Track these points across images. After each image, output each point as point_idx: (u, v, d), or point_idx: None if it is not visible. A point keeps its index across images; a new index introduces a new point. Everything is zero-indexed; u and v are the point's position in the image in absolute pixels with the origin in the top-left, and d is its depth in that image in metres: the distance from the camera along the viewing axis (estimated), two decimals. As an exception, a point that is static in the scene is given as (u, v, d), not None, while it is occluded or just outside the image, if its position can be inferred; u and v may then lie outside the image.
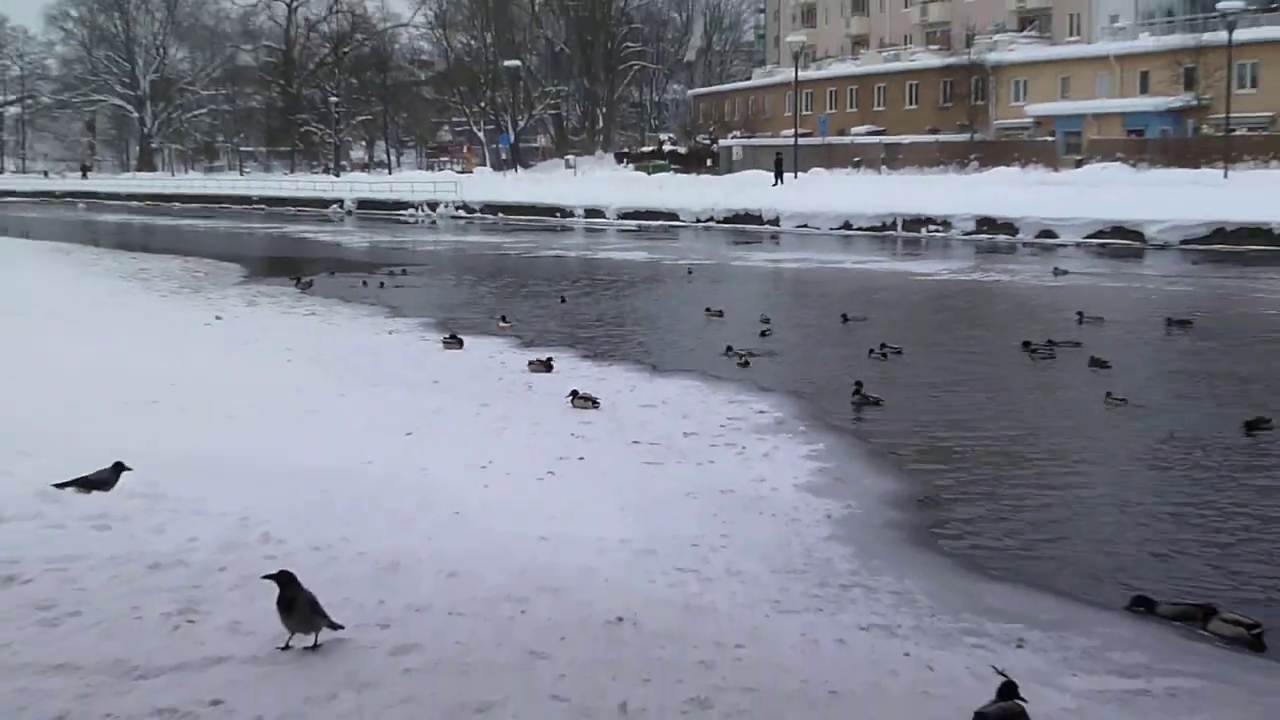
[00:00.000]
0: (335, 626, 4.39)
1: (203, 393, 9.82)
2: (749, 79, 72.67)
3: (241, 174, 75.76)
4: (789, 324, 16.23)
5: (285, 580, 4.31)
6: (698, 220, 40.26)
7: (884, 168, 49.33)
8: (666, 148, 65.33)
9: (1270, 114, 41.90)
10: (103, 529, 5.60)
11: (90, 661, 4.15)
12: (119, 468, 6.14)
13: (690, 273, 24.35)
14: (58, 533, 5.52)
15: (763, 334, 14.96)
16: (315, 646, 4.30)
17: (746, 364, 12.67)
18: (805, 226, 36.33)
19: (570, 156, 66.05)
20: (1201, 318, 16.15)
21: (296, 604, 4.27)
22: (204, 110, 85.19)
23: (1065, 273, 22.55)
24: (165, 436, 7.73)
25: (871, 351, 13.13)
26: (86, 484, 6.07)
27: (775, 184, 43.32)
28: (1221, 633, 5.18)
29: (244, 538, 5.57)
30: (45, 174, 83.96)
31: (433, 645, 4.39)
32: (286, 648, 4.28)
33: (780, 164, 45.11)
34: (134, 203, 66.73)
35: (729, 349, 13.26)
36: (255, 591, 4.56)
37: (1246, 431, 9.09)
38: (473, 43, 72.84)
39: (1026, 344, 13.35)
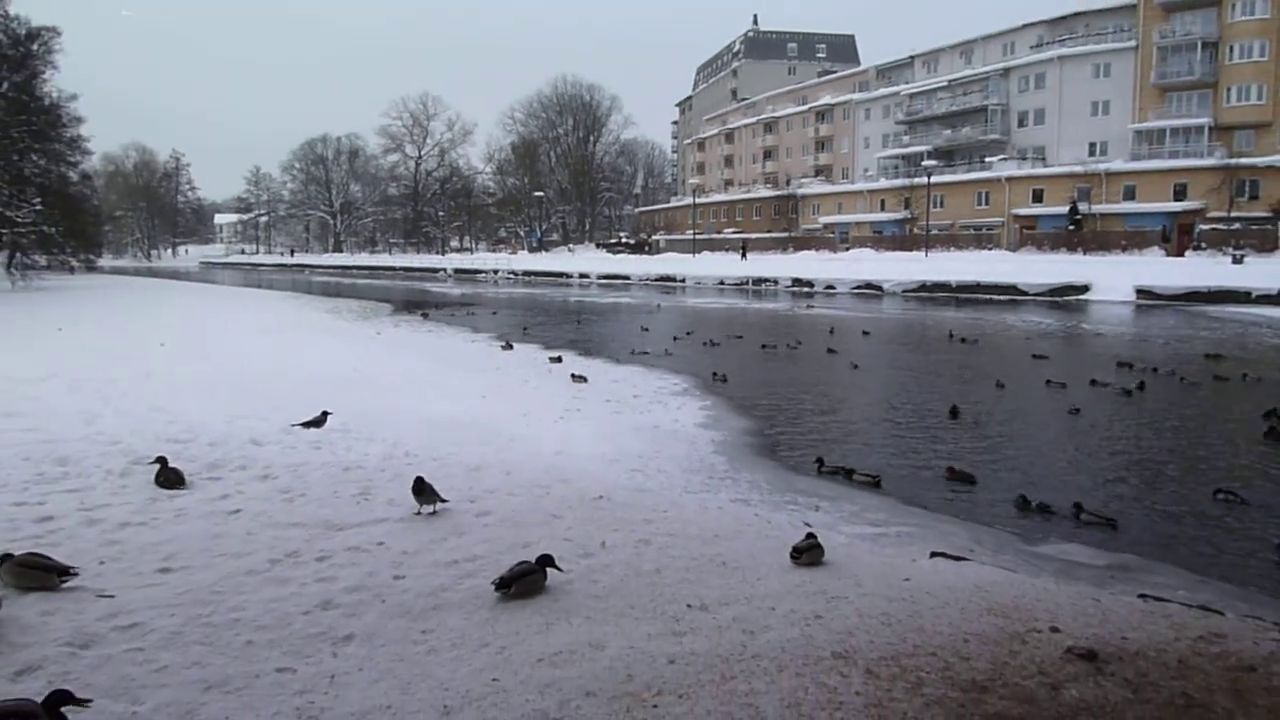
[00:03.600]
0: (442, 500, 7.56)
1: (372, 374, 15.88)
2: (668, 202, 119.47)
3: (389, 254, 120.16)
4: (692, 336, 25.66)
5: (417, 481, 7.53)
6: (641, 280, 64.89)
7: (740, 253, 79.31)
8: (624, 240, 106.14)
9: (950, 222, 69.14)
10: (317, 448, 9.11)
11: (311, 520, 7.26)
12: (325, 415, 9.97)
13: (659, 307, 41.02)
14: (292, 451, 9.01)
15: (675, 339, 24.28)
16: (434, 513, 7.50)
17: (670, 353, 21.50)
18: (700, 284, 59.29)
19: (570, 245, 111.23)
20: (894, 329, 29.08)
21: (423, 489, 7.52)
22: (369, 218, 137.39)
23: (812, 307, 40.14)
24: (352, 398, 12.29)
25: (764, 345, 22.27)
26: (309, 424, 9.88)
27: (742, 259, 70.26)
28: (860, 481, 9.74)
29: (395, 453, 9.12)
30: (290, 252, 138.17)
31: (498, 511, 7.60)
32: (419, 513, 7.53)
33: (745, 247, 79.04)
34: (330, 271, 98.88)
35: (637, 350, 22.19)
36: (403, 483, 8.00)
37: (951, 414, 13.61)
38: (517, 182, 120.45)
39: (830, 349, 22.73)
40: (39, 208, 46.67)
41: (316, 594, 5.65)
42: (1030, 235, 63.06)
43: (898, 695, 4.39)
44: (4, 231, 48.33)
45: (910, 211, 72.74)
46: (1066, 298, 40.72)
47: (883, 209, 77.31)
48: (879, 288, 48.13)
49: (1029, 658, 4.84)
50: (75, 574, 5.73)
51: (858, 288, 49.15)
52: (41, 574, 5.59)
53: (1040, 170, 66.40)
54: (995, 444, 12.07)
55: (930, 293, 45.49)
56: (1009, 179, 66.44)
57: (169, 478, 8.11)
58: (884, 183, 79.07)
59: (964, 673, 4.64)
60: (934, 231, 66.86)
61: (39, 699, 3.93)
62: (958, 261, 53.72)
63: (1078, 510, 8.80)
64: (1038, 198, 64.79)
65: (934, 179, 67.02)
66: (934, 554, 7.13)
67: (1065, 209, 60.77)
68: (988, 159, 70.79)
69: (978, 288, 44.28)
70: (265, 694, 4.38)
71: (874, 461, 10.92)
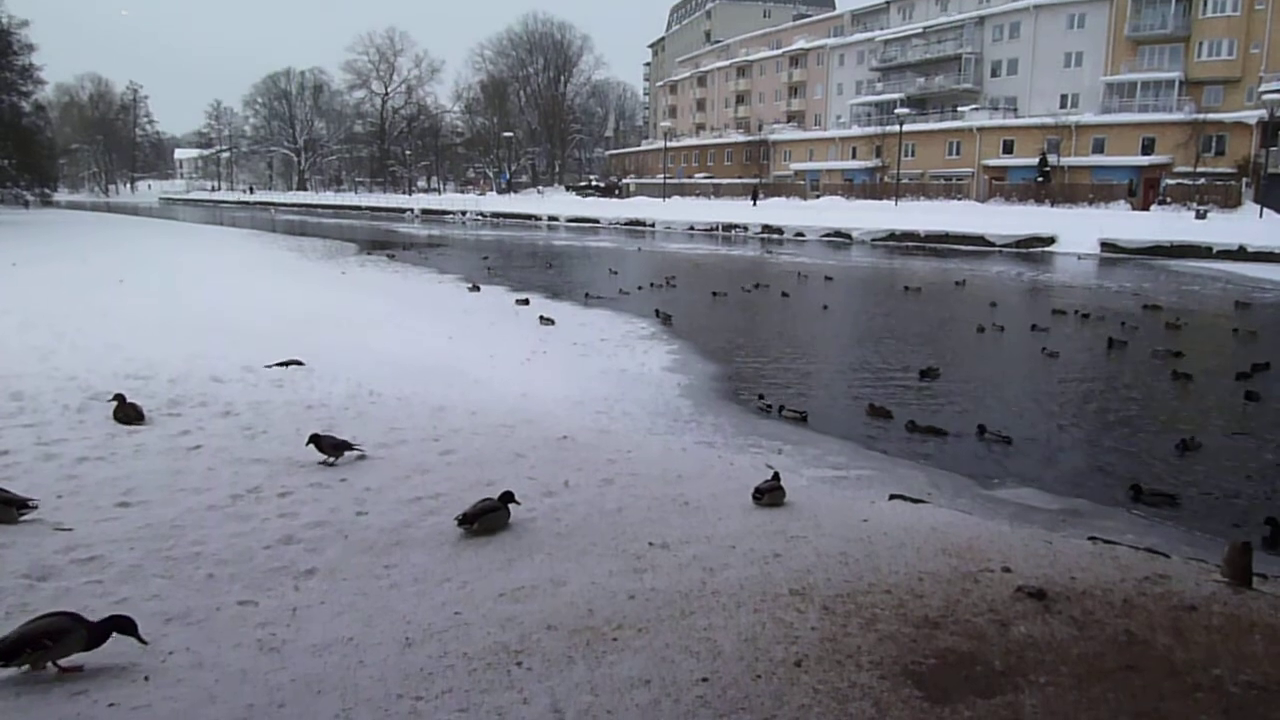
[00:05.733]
0: (351, 449, 7.09)
1: (337, 314, 15.63)
2: (639, 146, 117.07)
3: (355, 193, 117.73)
4: (660, 280, 25.34)
5: (313, 437, 7.11)
6: (610, 224, 63.98)
7: (712, 196, 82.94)
8: (593, 183, 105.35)
9: (920, 171, 68.74)
10: (279, 387, 9.02)
11: (273, 457, 7.25)
12: (299, 362, 9.89)
13: (639, 249, 42.13)
14: (254, 389, 8.92)
15: (640, 288, 23.75)
16: (332, 464, 6.97)
17: (626, 293, 21.88)
18: (670, 229, 59.32)
19: (540, 187, 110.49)
20: (856, 275, 29.74)
21: (321, 444, 7.06)
22: (334, 156, 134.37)
23: (772, 253, 40.15)
24: (316, 337, 11.94)
25: (714, 293, 22.52)
26: (283, 365, 9.80)
27: (753, 205, 67.87)
28: (787, 416, 10.25)
29: (359, 392, 9.06)
30: (249, 189, 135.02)
31: (463, 450, 7.65)
32: (327, 463, 7.16)
33: (756, 192, 73.87)
34: (294, 210, 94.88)
35: (600, 289, 22.10)
36: (366, 421, 7.99)
37: (920, 376, 13.36)
38: (486, 122, 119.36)
39: (784, 293, 23.08)
40: (-10, 139, 45.31)
41: (278, 529, 5.64)
42: (999, 186, 63.33)
43: (852, 631, 4.49)
44: (-46, 163, 46.95)
45: (881, 160, 72.75)
46: (1033, 249, 41.08)
47: (854, 157, 77.20)
48: (848, 236, 48.27)
49: (980, 596, 4.96)
50: (34, 506, 5.68)
51: (827, 235, 49.30)
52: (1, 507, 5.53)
53: (1011, 121, 66.46)
54: (944, 388, 12.32)
55: (899, 242, 45.72)
56: (980, 129, 66.48)
57: (128, 413, 8.02)
58: (856, 130, 78.84)
59: (917, 610, 4.75)
60: (904, 180, 66.90)
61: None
62: (927, 211, 53.90)
63: (980, 430, 9.98)
64: (1008, 149, 64.94)
65: (906, 127, 66.75)
66: (893, 496, 7.25)
67: (1035, 161, 60.98)
68: (960, 108, 70.66)
69: (946, 238, 44.53)
70: (226, 626, 4.39)
71: (831, 403, 11.11)
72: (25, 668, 3.85)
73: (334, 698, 3.78)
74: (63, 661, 3.89)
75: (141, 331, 12.41)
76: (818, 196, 72.41)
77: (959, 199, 63.10)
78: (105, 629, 3.93)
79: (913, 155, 70.14)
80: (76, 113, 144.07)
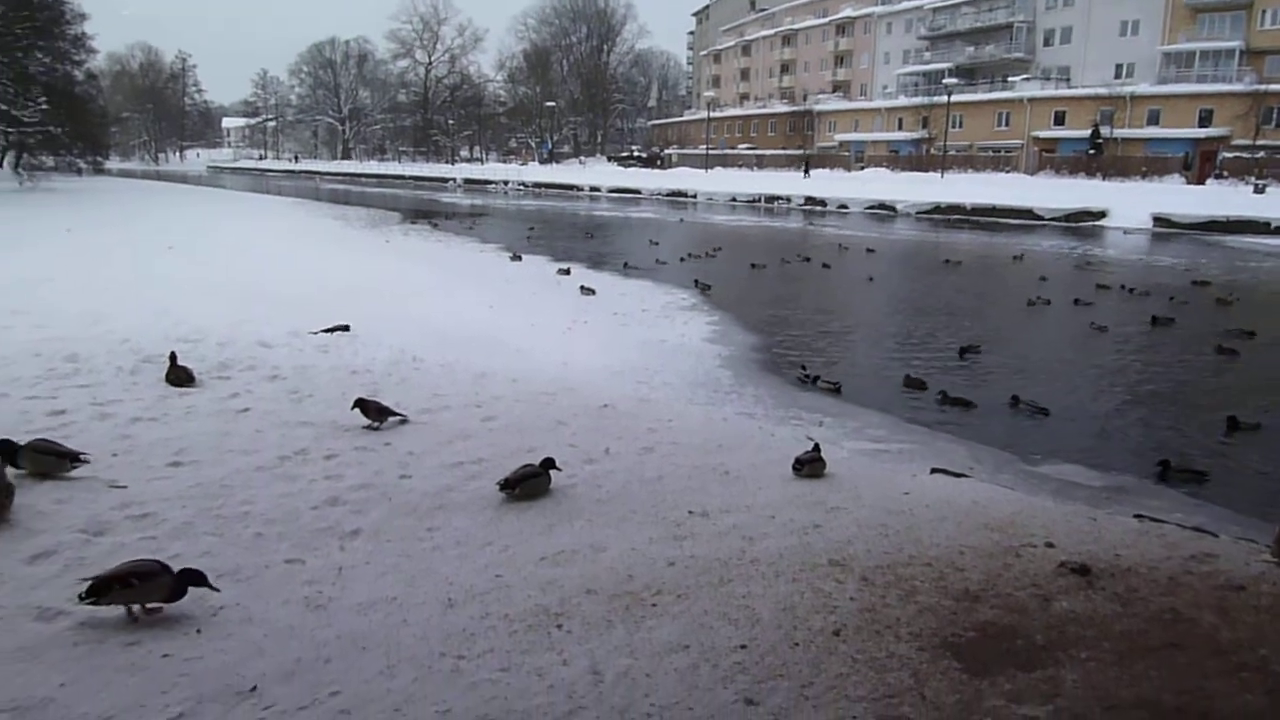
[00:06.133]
0: (395, 415, 7.23)
1: (380, 282, 15.86)
2: (682, 116, 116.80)
3: (398, 162, 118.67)
4: (699, 252, 25.21)
5: (359, 401, 7.24)
6: (652, 195, 63.65)
7: (755, 168, 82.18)
8: (635, 154, 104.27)
9: (968, 143, 67.81)
10: (325, 352, 9.17)
11: (319, 420, 7.36)
12: (346, 327, 10.03)
13: (681, 221, 42.11)
14: (299, 354, 9.07)
15: (681, 259, 23.63)
16: (377, 429, 7.10)
17: (664, 263, 21.97)
18: (712, 200, 58.59)
19: (582, 158, 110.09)
20: (899, 248, 29.54)
21: (368, 409, 7.17)
22: (378, 125, 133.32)
23: (817, 227, 39.00)
24: (360, 304, 12.09)
25: (753, 265, 22.27)
26: (330, 331, 9.97)
27: (805, 176, 66.66)
28: (823, 387, 10.27)
29: (402, 358, 9.17)
30: (295, 158, 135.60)
31: (504, 417, 7.70)
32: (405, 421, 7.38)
33: (808, 163, 73.23)
34: (338, 179, 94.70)
35: (639, 260, 22.26)
36: (409, 387, 8.09)
37: (960, 354, 12.96)
38: (529, 92, 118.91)
39: (821, 261, 23.14)
40: (44, 107, 46.05)
41: (324, 491, 5.75)
42: (1049, 159, 61.97)
43: (891, 602, 4.48)
44: (10, 131, 47.88)
45: (928, 131, 71.35)
46: (1082, 223, 40.23)
47: (900, 128, 75.90)
48: (892, 208, 47.58)
49: (1022, 571, 4.93)
50: (86, 460, 5.85)
51: (871, 208, 48.63)
52: (54, 459, 5.71)
53: (1064, 92, 64.85)
54: (989, 361, 12.17)
55: (944, 214, 44.97)
56: (1031, 100, 65.01)
57: (179, 375, 8.19)
58: (903, 100, 77.42)
59: (957, 583, 4.73)
60: (951, 152, 65.68)
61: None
62: (974, 184, 52.91)
63: (1014, 401, 9.98)
64: (1059, 120, 63.47)
65: (954, 98, 65.42)
66: (934, 470, 7.19)
67: (1087, 132, 59.52)
68: (1010, 79, 69.08)
69: (993, 210, 43.72)
70: (274, 584, 4.50)
71: (869, 376, 11.04)
72: (114, 606, 4.00)
73: (378, 654, 3.86)
74: (147, 604, 4.05)
75: (190, 297, 12.65)
76: (862, 168, 71.38)
77: (1007, 171, 61.92)
78: (183, 584, 4.06)
79: (960, 126, 68.82)
80: (127, 82, 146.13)
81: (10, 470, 5.36)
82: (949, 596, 4.57)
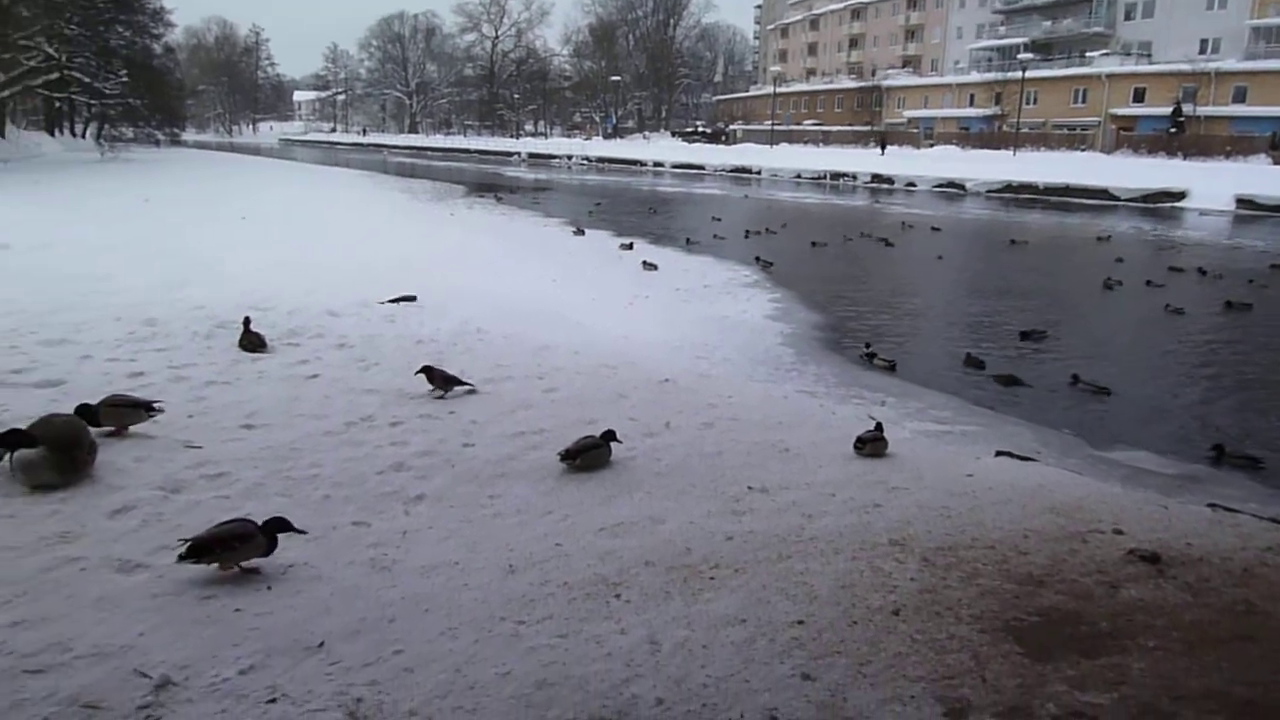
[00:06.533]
0: (462, 384, 7.31)
1: (445, 254, 16.03)
2: (748, 91, 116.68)
3: (464, 136, 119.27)
4: (758, 228, 24.85)
5: (425, 369, 7.34)
6: (716, 171, 62.90)
7: (821, 144, 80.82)
8: (700, 129, 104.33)
9: (1042, 120, 66.69)
10: (391, 321, 9.35)
11: (385, 388, 7.48)
12: (413, 297, 10.22)
13: (746, 196, 42.72)
14: (366, 323, 9.27)
15: (745, 235, 23.51)
16: (442, 397, 7.20)
17: (722, 238, 21.90)
18: (776, 176, 57.52)
19: (645, 133, 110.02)
20: (967, 226, 29.07)
21: (437, 375, 7.26)
22: (444, 99, 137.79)
23: (884, 205, 38.01)
24: (424, 275, 12.19)
25: (814, 244, 22.15)
26: (396, 301, 10.16)
27: (881, 153, 64.41)
28: (878, 364, 10.28)
29: (466, 329, 9.30)
30: (362, 131, 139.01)
31: (565, 388, 7.74)
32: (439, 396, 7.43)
33: (884, 140, 71.36)
34: (405, 152, 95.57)
35: (700, 236, 22.30)
36: (473, 357, 8.19)
37: (1022, 337, 12.49)
38: (594, 66, 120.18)
39: (888, 242, 22.56)
40: (124, 80, 47.36)
41: (389, 456, 5.86)
42: (1127, 137, 59.98)
43: (952, 583, 4.43)
44: (93, 103, 49.39)
45: (1000, 108, 69.63)
46: (1160, 204, 38.91)
47: (971, 104, 74.28)
48: (961, 186, 46.50)
49: (1089, 557, 4.83)
50: (160, 409, 6.07)
51: (939, 186, 47.61)
52: (130, 410, 5.94)
53: (1144, 68, 62.67)
54: (1050, 344, 11.91)
55: (1015, 193, 43.82)
56: (1109, 76, 62.97)
57: (251, 341, 8.41)
58: (975, 76, 75.74)
59: (1020, 567, 4.66)
60: (1024, 130, 63.90)
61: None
62: (1047, 162, 51.34)
63: (1074, 380, 9.90)
64: (1139, 97, 61.38)
65: (1029, 74, 63.51)
66: (999, 453, 7.07)
67: (1168, 110, 57.51)
68: (1088, 54, 66.94)
69: (1066, 190, 42.51)
70: (341, 545, 4.61)
71: (929, 355, 10.93)
72: (214, 565, 4.16)
73: (440, 616, 3.94)
74: (244, 564, 4.20)
75: (261, 266, 12.95)
76: (931, 145, 69.88)
77: (1082, 150, 60.09)
78: (275, 539, 4.22)
79: (1034, 103, 66.91)
80: (203, 55, 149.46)
81: (93, 431, 5.57)
82: (1012, 580, 4.50)
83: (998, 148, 63.34)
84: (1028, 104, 66.04)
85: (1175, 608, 4.29)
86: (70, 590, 3.99)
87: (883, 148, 68.15)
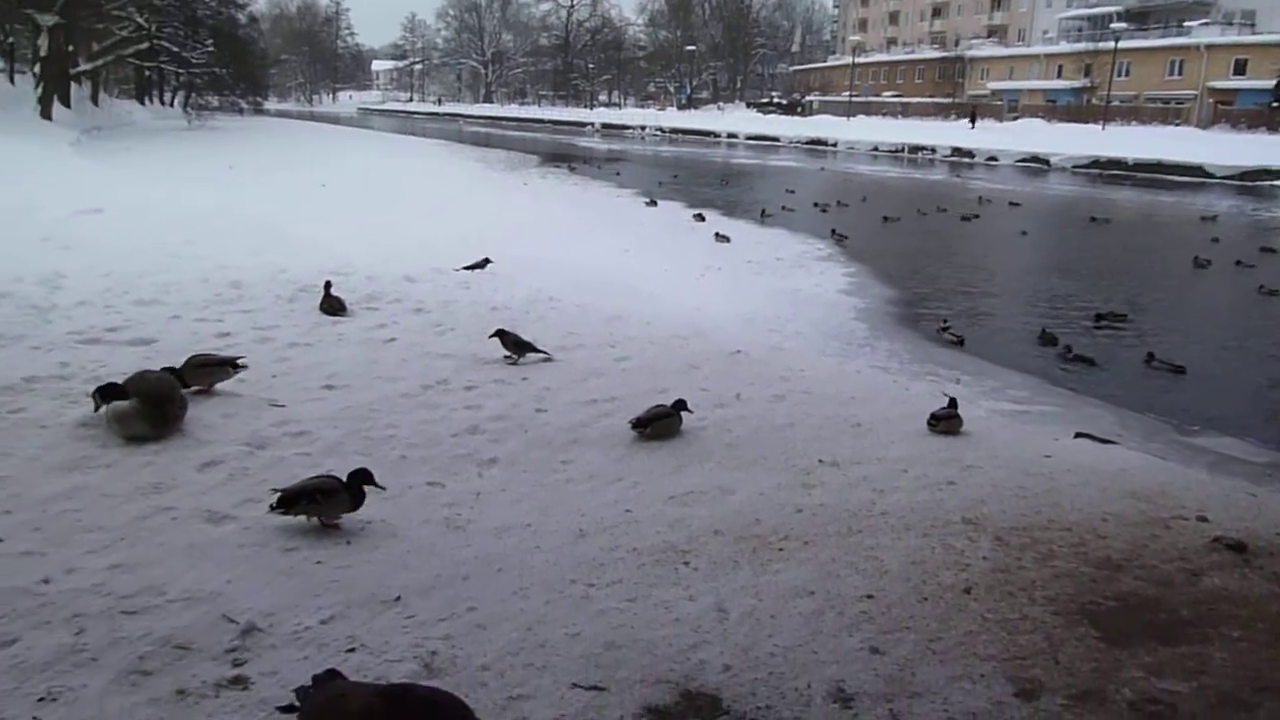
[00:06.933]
0: (536, 351, 7.37)
1: (518, 222, 16.26)
2: (825, 62, 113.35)
3: (538, 106, 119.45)
4: (826, 201, 24.51)
5: (499, 332, 7.44)
6: (791, 143, 62.45)
7: (899, 116, 78.08)
8: (775, 100, 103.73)
9: (1134, 93, 65.24)
10: (466, 288, 9.52)
11: (460, 353, 7.61)
12: (486, 261, 10.39)
13: (823, 169, 42.11)
14: (442, 289, 9.45)
15: (823, 210, 23.17)
16: (515, 363, 7.31)
17: (792, 210, 21.73)
18: (853, 149, 56.90)
19: (720, 104, 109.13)
20: (1042, 203, 28.50)
21: (510, 339, 7.37)
22: (519, 69, 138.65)
23: (964, 179, 37.55)
24: (498, 243, 12.23)
25: (886, 219, 21.62)
26: (471, 268, 10.33)
27: (971, 126, 62.48)
28: (947, 339, 10.23)
29: (539, 297, 9.42)
30: (438, 100, 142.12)
31: (636, 357, 7.78)
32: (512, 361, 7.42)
33: (974, 113, 68.09)
34: (480, 121, 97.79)
35: (774, 209, 21.86)
36: (549, 323, 8.28)
37: (1096, 320, 11.97)
38: (669, 36, 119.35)
39: (964, 216, 22.21)
40: (210, 49, 48.56)
41: (464, 419, 5.98)
42: (1225, 111, 57.41)
43: (1026, 564, 4.36)
44: (180, 72, 50.75)
45: (1090, 79, 67.21)
46: (1259, 182, 37.17)
47: (1059, 76, 71.87)
48: (1046, 161, 45.14)
49: (1170, 543, 4.70)
50: (244, 365, 6.27)
51: (1022, 160, 46.26)
52: (215, 368, 6.16)
53: (1247, 38, 59.78)
54: (1133, 323, 11.57)
55: (1103, 169, 42.33)
56: (1208, 46, 60.19)
57: (332, 305, 8.62)
58: (1064, 46, 73.16)
59: (1098, 550, 4.56)
60: (1115, 103, 61.58)
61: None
62: (1138, 136, 49.43)
63: (1149, 358, 9.73)
64: (1239, 69, 58.61)
65: (1122, 44, 60.94)
66: (1078, 435, 6.90)
67: (1271, 83, 54.71)
68: (1186, 23, 63.99)
69: (1158, 166, 40.87)
70: (417, 504, 4.73)
71: (1004, 332, 10.69)
72: (300, 517, 4.32)
73: (512, 576, 4.02)
74: (328, 520, 4.36)
75: (340, 232, 13.23)
76: (1015, 118, 67.74)
77: (1176, 124, 57.72)
78: (360, 494, 4.33)
79: (1126, 75, 64.40)
80: (285, 25, 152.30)
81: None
82: (1088, 564, 4.41)
83: (1086, 121, 61.19)
84: (1119, 76, 63.53)
85: (1261, 598, 4.16)
86: (163, 538, 4.17)
87: (973, 120, 65.78)
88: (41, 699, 2.99)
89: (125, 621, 3.46)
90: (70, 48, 39.98)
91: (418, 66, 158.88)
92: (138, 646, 3.30)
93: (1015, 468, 5.64)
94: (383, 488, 4.46)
